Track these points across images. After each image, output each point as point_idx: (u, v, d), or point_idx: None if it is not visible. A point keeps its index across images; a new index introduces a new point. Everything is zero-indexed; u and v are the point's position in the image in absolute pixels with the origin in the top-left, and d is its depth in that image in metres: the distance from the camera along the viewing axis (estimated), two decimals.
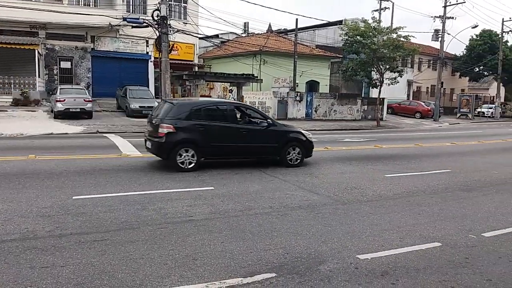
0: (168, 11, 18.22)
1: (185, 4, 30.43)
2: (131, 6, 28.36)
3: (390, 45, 24.20)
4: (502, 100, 45.60)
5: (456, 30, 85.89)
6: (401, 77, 25.85)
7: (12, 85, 23.23)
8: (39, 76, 24.01)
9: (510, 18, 40.44)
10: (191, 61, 31.68)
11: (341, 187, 8.23)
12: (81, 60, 27.04)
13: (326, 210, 6.63)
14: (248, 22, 55.56)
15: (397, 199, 7.51)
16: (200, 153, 9.19)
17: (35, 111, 20.90)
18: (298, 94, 27.24)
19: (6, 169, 8.68)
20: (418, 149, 15.16)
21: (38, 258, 4.38)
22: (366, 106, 29.52)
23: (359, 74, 26.59)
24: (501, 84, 42.81)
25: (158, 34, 17.77)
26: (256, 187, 7.95)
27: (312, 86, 32.46)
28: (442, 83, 35.61)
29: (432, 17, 34.18)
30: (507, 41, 42.94)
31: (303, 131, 10.75)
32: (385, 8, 33.71)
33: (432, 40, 35.24)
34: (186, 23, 29.13)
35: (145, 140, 9.84)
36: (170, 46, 18.68)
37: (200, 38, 31.84)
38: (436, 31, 33.98)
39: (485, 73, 46.34)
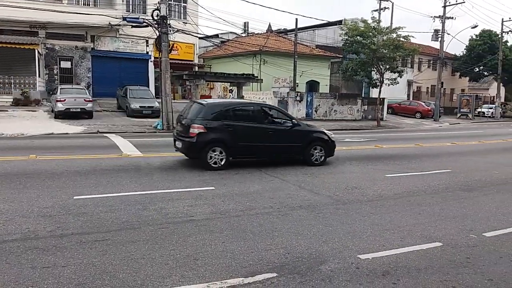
0: (167, 11, 18.22)
1: (184, 4, 30.43)
2: (130, 6, 28.35)
3: (390, 45, 24.21)
4: (502, 100, 45.60)
5: (455, 30, 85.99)
6: (401, 77, 25.86)
7: (12, 85, 23.24)
8: (39, 76, 24.01)
9: (509, 18, 40.50)
10: (191, 61, 31.68)
11: (341, 187, 8.24)
12: (81, 60, 27.04)
13: (327, 210, 6.63)
14: (248, 22, 55.63)
15: (398, 199, 7.52)
16: (229, 152, 9.45)
17: (35, 111, 20.90)
18: (298, 94, 27.24)
19: (7, 169, 8.69)
20: (419, 149, 15.17)
21: (39, 258, 4.38)
22: (366, 106, 29.52)
23: (359, 74, 26.59)
24: (501, 84, 42.82)
25: (158, 34, 17.74)
26: (257, 187, 7.96)
27: (312, 86, 32.48)
28: (442, 83, 35.63)
29: (431, 17, 34.28)
30: (506, 41, 42.96)
31: (325, 131, 11.06)
32: (385, 8, 33.71)
33: (432, 40, 35.30)
34: (186, 23, 29.12)
35: (174, 140, 10.11)
36: (170, 46, 18.67)
37: (200, 38, 31.84)
38: (436, 31, 33.99)
39: (485, 73, 46.35)
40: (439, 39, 33.26)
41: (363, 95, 32.77)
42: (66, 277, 3.99)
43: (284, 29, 41.12)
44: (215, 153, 9.27)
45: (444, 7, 32.87)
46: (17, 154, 10.48)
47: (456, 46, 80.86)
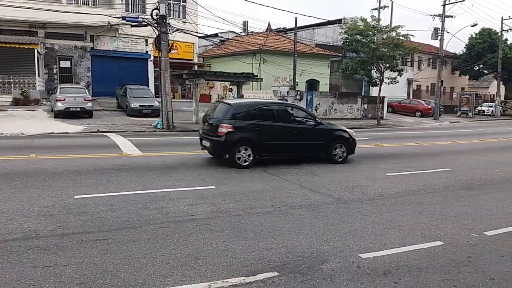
0: (167, 10, 18.18)
1: (184, 3, 30.40)
2: (130, 5, 28.34)
3: (389, 43, 24.19)
4: (502, 98, 45.58)
5: (455, 29, 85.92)
6: (400, 76, 25.84)
7: (12, 85, 23.23)
8: (38, 76, 24.00)
9: (509, 16, 40.61)
10: (191, 60, 31.66)
11: (342, 186, 8.24)
12: (80, 59, 27.03)
13: (328, 209, 6.63)
14: (247, 21, 55.56)
15: (398, 198, 7.52)
16: (256, 151, 9.76)
17: (35, 110, 20.89)
18: (298, 93, 27.24)
19: (7, 169, 8.68)
20: (419, 147, 15.17)
21: (40, 257, 4.38)
22: (366, 105, 29.51)
23: (359, 73, 26.58)
24: (501, 83, 42.81)
25: (157, 33, 17.71)
26: (257, 186, 7.95)
27: (312, 85, 32.46)
28: (442, 81, 35.62)
29: (431, 15, 34.14)
30: (506, 40, 42.94)
31: (347, 129, 11.25)
32: (384, 6, 33.69)
33: (431, 39, 35.25)
34: (186, 22, 29.11)
35: (200, 139, 10.37)
36: (170, 45, 18.64)
37: (199, 37, 31.83)
38: (436, 29, 33.96)
39: (485, 71, 46.33)
40: (439, 37, 33.24)
41: (363, 94, 32.74)
42: (67, 276, 3.99)
43: (283, 28, 41.06)
44: (242, 152, 9.59)
45: (444, 5, 32.85)
46: (17, 153, 10.48)
47: (456, 44, 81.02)
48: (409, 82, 40.83)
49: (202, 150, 10.62)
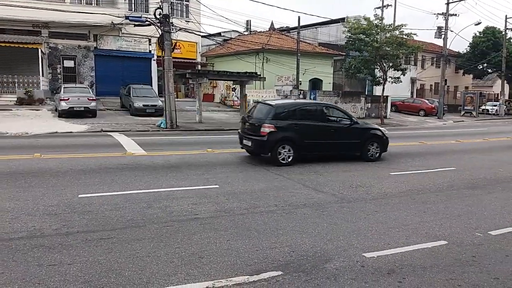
0: (170, 10, 18.17)
1: (187, 2, 30.41)
2: (133, 5, 28.35)
3: (393, 42, 24.11)
4: (507, 97, 45.30)
5: (459, 27, 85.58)
6: (404, 75, 25.76)
7: (16, 84, 23.34)
8: (42, 75, 24.10)
9: None
10: (194, 59, 31.68)
11: (346, 185, 8.23)
12: (84, 59, 27.10)
13: (332, 208, 6.63)
14: (250, 20, 55.38)
15: (402, 197, 7.50)
16: (296, 149, 10.10)
17: (39, 110, 20.98)
18: (302, 92, 27.20)
19: (12, 168, 8.72)
20: (423, 146, 15.12)
21: (45, 256, 4.40)
22: (369, 104, 29.45)
23: (362, 72, 26.52)
24: (505, 82, 42.57)
25: (160, 32, 17.74)
26: (261, 185, 7.95)
27: (315, 84, 32.39)
28: (445, 80, 35.46)
29: (435, 14, 34.00)
30: (510, 38, 42.65)
31: (380, 128, 11.69)
32: (387, 5, 33.58)
33: (435, 38, 35.07)
34: (189, 21, 29.08)
35: (240, 139, 10.76)
36: (173, 45, 18.64)
37: (202, 37, 31.81)
38: (439, 28, 33.79)
39: (489, 70, 46.11)
40: (443, 36, 33.09)
41: (366, 93, 32.67)
42: (72, 275, 4.01)
43: (286, 27, 40.98)
44: (284, 150, 9.94)
45: (447, 4, 32.68)
46: (22, 153, 10.53)
47: (459, 43, 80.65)
48: (413, 81, 40.70)
49: (242, 149, 10.96)
